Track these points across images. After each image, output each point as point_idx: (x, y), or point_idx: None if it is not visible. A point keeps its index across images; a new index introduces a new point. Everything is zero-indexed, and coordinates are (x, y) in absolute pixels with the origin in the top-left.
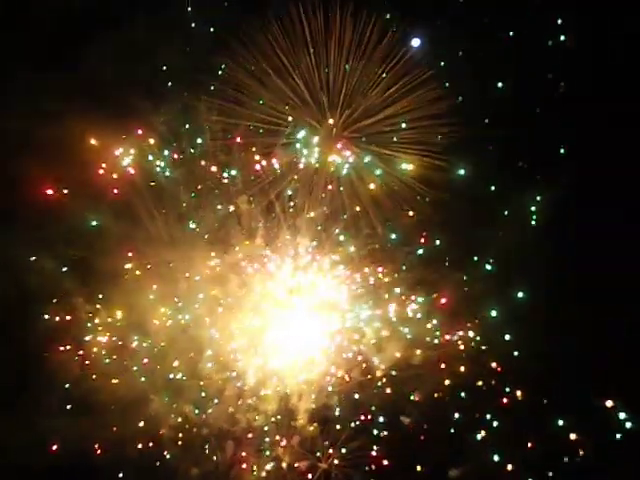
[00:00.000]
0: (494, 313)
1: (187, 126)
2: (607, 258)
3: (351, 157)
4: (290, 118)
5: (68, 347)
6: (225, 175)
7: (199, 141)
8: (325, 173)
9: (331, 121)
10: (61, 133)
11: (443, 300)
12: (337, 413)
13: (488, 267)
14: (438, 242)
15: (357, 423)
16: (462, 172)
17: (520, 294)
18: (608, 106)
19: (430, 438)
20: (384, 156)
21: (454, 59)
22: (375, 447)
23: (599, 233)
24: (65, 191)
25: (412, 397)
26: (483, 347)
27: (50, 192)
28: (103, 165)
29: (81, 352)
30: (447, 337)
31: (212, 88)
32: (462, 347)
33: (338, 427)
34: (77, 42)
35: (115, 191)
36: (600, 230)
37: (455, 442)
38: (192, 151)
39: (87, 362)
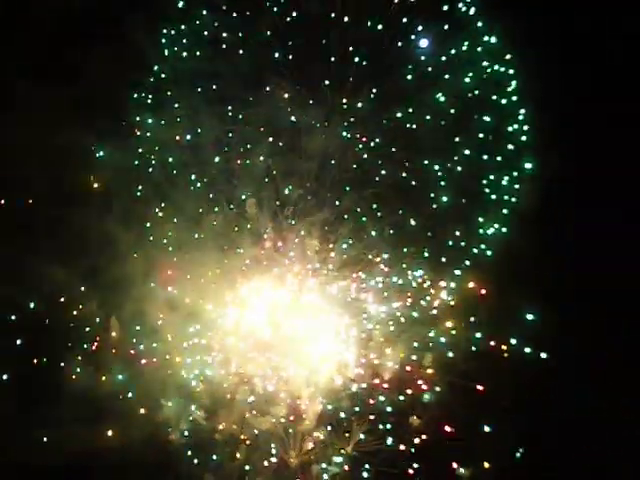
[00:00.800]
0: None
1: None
2: (607, 258)
3: (357, 154)
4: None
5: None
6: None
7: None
8: (331, 170)
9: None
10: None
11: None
12: (349, 416)
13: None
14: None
15: (369, 426)
16: (460, 170)
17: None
18: (608, 106)
19: (441, 441)
20: (390, 153)
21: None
22: (387, 450)
23: (598, 233)
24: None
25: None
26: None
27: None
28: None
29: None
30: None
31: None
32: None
33: (350, 430)
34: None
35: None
36: (600, 230)
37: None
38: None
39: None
